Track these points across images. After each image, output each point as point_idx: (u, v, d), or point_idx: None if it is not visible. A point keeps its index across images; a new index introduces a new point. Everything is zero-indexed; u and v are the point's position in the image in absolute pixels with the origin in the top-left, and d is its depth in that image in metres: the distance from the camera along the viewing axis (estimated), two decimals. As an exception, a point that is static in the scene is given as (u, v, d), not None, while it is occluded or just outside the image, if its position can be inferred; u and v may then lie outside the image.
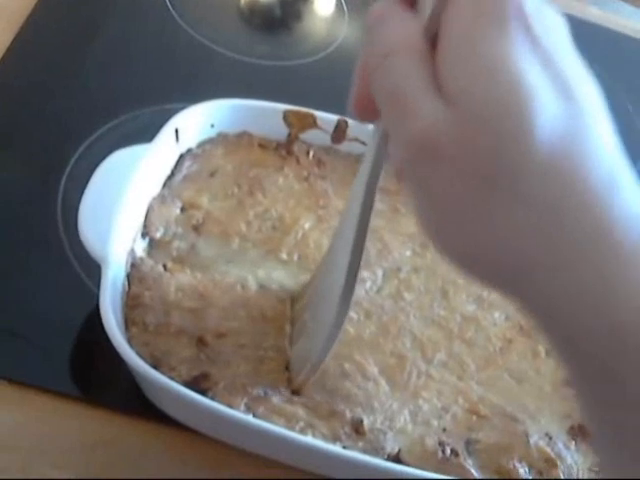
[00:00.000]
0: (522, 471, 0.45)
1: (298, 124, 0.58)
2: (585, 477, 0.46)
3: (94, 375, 0.53)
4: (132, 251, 0.49)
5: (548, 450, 0.47)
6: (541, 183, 0.27)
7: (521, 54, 0.27)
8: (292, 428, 0.44)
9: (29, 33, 0.71)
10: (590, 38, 0.90)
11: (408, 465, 0.44)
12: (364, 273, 0.52)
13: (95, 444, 0.49)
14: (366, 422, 0.46)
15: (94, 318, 0.55)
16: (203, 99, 0.57)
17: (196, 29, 0.78)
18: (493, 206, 0.28)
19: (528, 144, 0.27)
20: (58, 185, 0.60)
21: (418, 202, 0.30)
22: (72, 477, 0.47)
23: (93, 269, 0.55)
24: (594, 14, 0.99)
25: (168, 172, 0.54)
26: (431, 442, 0.46)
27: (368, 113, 0.33)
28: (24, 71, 0.69)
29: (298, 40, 0.85)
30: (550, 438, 0.47)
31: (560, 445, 0.47)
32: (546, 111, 0.27)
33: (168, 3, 0.80)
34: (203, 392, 0.44)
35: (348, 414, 0.46)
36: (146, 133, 0.54)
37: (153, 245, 0.51)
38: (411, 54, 0.29)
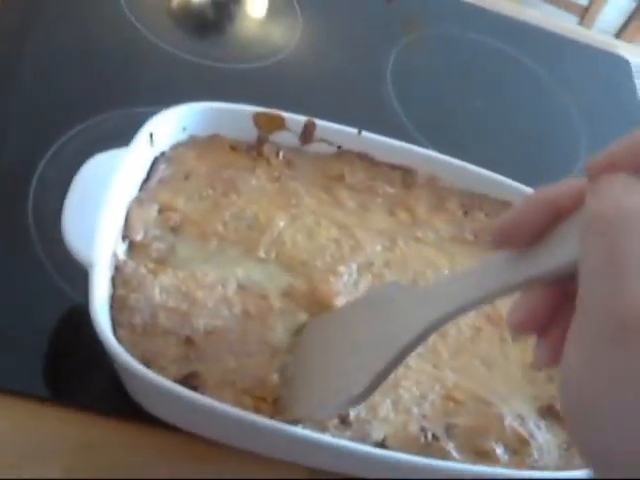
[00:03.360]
0: (499, 451, 0.48)
1: (267, 126, 0.59)
2: (556, 454, 0.49)
3: (70, 378, 0.53)
4: (115, 254, 0.49)
5: (521, 430, 0.49)
6: None
7: None
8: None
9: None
10: (532, 40, 0.95)
11: (394, 450, 0.47)
12: (340, 268, 0.54)
13: (77, 447, 0.50)
14: (352, 414, 0.48)
15: (68, 321, 0.56)
16: (165, 101, 0.57)
17: (154, 33, 0.79)
18: None
19: None
20: (28, 188, 0.60)
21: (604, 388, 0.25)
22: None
23: (68, 272, 0.56)
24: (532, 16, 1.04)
25: (144, 175, 0.54)
26: (413, 428, 0.48)
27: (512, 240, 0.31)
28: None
29: (252, 43, 0.86)
30: (522, 419, 0.50)
31: (531, 425, 0.50)
32: None
33: (123, 4, 0.80)
34: (194, 390, 0.45)
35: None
36: (115, 136, 0.54)
37: (133, 247, 0.51)
38: None
